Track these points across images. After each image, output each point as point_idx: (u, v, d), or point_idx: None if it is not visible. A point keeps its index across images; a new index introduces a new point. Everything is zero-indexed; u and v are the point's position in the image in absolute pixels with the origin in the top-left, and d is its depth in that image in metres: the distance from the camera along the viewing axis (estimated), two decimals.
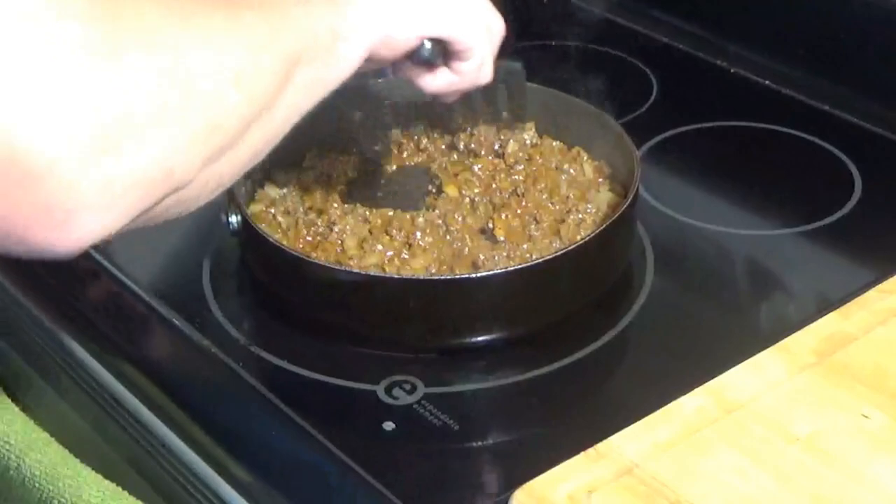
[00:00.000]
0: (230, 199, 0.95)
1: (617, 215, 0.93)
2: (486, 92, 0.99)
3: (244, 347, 0.92)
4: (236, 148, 0.67)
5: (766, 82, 1.25)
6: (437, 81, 0.89)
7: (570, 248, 0.91)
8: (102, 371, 0.93)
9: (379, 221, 0.97)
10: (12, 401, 0.94)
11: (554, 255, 0.90)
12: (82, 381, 0.95)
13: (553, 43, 1.35)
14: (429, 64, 0.87)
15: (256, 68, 0.67)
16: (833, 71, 1.22)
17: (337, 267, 0.91)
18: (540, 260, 0.91)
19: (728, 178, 1.13)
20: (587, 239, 0.91)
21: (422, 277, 0.92)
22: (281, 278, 0.94)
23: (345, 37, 0.76)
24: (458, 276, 0.91)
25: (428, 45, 0.85)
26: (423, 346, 0.91)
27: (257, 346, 0.92)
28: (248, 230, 0.95)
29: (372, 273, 0.91)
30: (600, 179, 1.02)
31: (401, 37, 0.82)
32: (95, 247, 0.63)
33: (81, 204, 0.59)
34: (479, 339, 0.91)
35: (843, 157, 1.13)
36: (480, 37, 0.88)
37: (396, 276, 0.91)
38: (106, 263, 1.02)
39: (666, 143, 1.17)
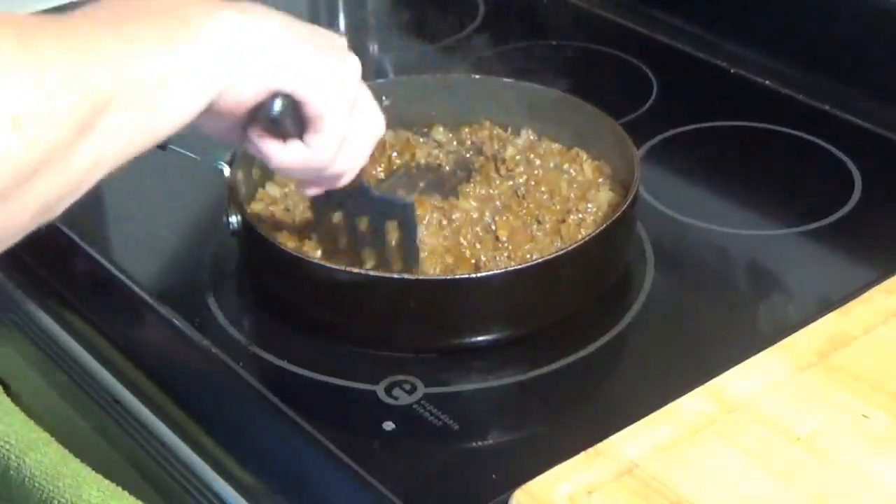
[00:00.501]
0: (230, 198, 0.95)
1: (617, 215, 0.93)
2: (373, 225, 0.91)
3: (244, 347, 0.92)
4: (16, 200, 0.59)
5: (766, 82, 1.25)
6: (287, 154, 0.77)
7: (569, 248, 0.91)
8: (102, 371, 0.93)
9: None
10: (13, 401, 0.94)
11: (553, 256, 0.90)
12: (82, 381, 0.95)
13: (553, 43, 1.35)
14: (278, 128, 0.75)
15: (45, 111, 0.58)
16: (833, 71, 1.22)
17: (337, 267, 0.91)
18: (540, 260, 0.91)
19: (728, 178, 1.13)
20: (587, 239, 0.91)
21: (422, 277, 0.92)
22: (281, 278, 0.94)
23: (177, 82, 0.66)
24: (458, 277, 0.92)
25: (278, 102, 0.73)
26: (423, 347, 0.91)
27: (257, 346, 0.92)
28: (248, 230, 0.95)
29: (372, 273, 0.91)
30: (600, 179, 1.02)
31: (247, 87, 0.71)
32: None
33: None
34: (480, 338, 0.91)
35: (843, 157, 1.13)
36: (339, 107, 0.76)
37: (396, 276, 0.91)
38: (106, 263, 1.02)
39: (666, 143, 1.17)
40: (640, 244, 1.01)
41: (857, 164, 1.12)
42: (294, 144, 0.77)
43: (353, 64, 0.78)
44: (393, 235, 0.91)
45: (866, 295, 0.91)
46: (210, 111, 0.70)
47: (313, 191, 0.85)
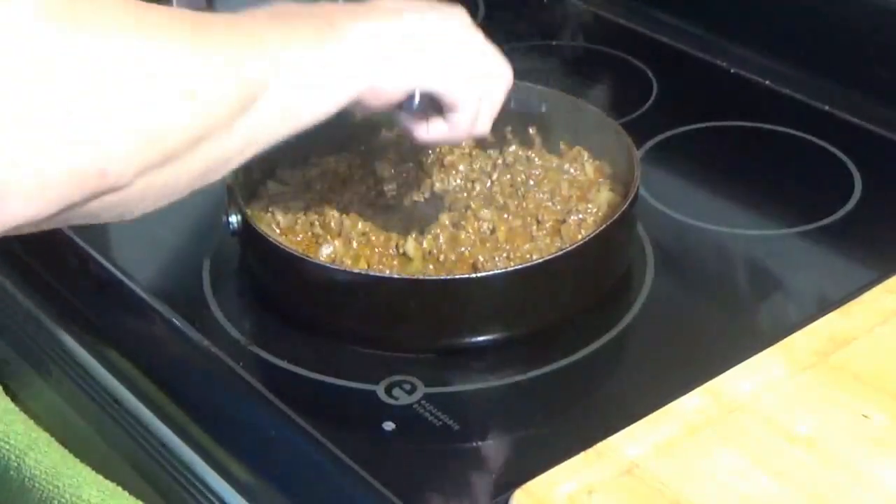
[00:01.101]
0: (230, 198, 0.95)
1: (617, 215, 0.93)
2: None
3: (244, 347, 0.92)
4: (183, 161, 0.67)
5: (766, 82, 1.25)
6: (431, 133, 0.86)
7: (569, 248, 0.91)
8: (102, 371, 0.93)
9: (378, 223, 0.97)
10: (12, 401, 0.94)
11: (553, 256, 0.90)
12: (82, 381, 0.95)
13: (553, 43, 1.35)
14: (420, 115, 0.85)
15: (211, 88, 0.67)
16: (833, 71, 1.22)
17: (336, 267, 0.91)
18: (540, 260, 0.91)
19: (728, 178, 1.13)
20: (587, 239, 0.91)
21: (422, 277, 0.92)
22: (281, 278, 0.94)
23: (323, 78, 0.75)
24: (457, 277, 0.91)
25: (417, 96, 0.82)
26: (422, 347, 0.91)
27: (257, 346, 0.92)
28: (248, 230, 0.95)
29: (372, 273, 0.91)
30: (601, 179, 1.02)
31: (388, 88, 0.80)
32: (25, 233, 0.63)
33: (11, 190, 0.60)
34: (479, 339, 0.91)
35: (843, 157, 1.13)
36: (473, 90, 0.84)
37: (396, 276, 0.91)
38: (106, 263, 1.02)
39: (666, 143, 1.17)
40: (640, 244, 1.01)
41: (857, 164, 1.12)
42: (435, 123, 0.85)
43: (478, 43, 0.85)
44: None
45: (866, 295, 0.91)
46: (356, 103, 0.79)
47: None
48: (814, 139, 1.16)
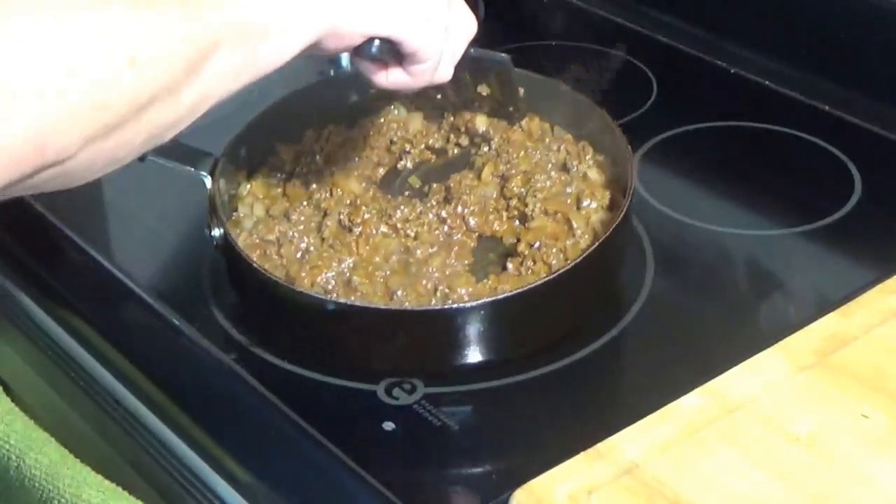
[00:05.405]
0: (211, 211, 0.94)
1: (608, 234, 0.91)
2: (475, 79, 0.98)
3: (244, 347, 0.92)
4: (129, 128, 0.64)
5: (766, 82, 1.25)
6: (389, 79, 0.85)
7: (552, 276, 0.89)
8: (102, 371, 0.93)
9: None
10: (12, 401, 0.94)
11: (537, 283, 0.88)
12: (82, 381, 0.95)
13: (553, 43, 1.35)
14: (379, 62, 0.83)
15: (159, 51, 0.64)
16: (833, 71, 1.22)
17: (317, 296, 0.89)
18: (529, 287, 0.88)
19: (728, 178, 1.13)
20: (579, 260, 0.89)
21: (407, 308, 0.89)
22: (262, 301, 0.92)
23: (281, 27, 0.72)
24: (444, 308, 0.89)
25: (376, 43, 0.80)
26: (411, 371, 0.89)
27: (257, 346, 0.92)
28: (229, 249, 0.93)
29: (357, 303, 0.89)
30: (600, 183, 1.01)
31: (346, 33, 0.78)
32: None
33: None
34: (469, 362, 0.89)
35: (843, 157, 1.13)
36: (433, 39, 0.82)
37: (382, 307, 0.89)
38: (106, 263, 1.02)
39: (666, 143, 1.17)
40: (640, 244, 1.01)
41: (857, 164, 1.12)
42: (395, 71, 0.84)
43: None
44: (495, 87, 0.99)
45: (866, 295, 0.91)
46: (313, 47, 0.76)
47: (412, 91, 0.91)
48: (814, 139, 1.16)
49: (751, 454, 0.77)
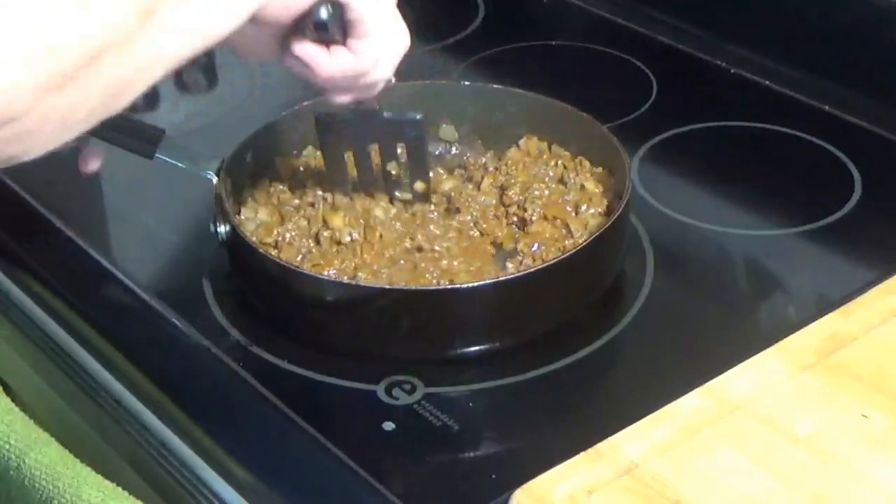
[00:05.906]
0: (218, 208, 0.94)
1: (604, 228, 0.92)
2: (384, 147, 0.97)
3: (244, 347, 0.92)
4: (83, 81, 0.63)
5: (766, 82, 1.25)
6: (332, 62, 0.83)
7: (551, 262, 0.90)
8: (102, 371, 0.93)
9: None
10: (12, 400, 0.94)
11: (537, 268, 0.90)
12: (82, 381, 0.95)
13: (553, 43, 1.35)
14: (324, 34, 0.81)
15: None
16: (833, 71, 1.22)
17: (326, 277, 0.90)
18: (529, 271, 0.90)
19: (728, 178, 1.13)
20: (577, 250, 0.90)
21: (413, 288, 0.91)
22: (269, 289, 0.93)
23: None
24: (447, 287, 0.91)
25: (324, 8, 0.79)
26: (418, 357, 0.90)
27: (257, 346, 0.92)
28: (236, 241, 0.93)
29: (363, 285, 0.90)
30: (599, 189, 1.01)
31: None
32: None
33: None
34: (472, 349, 0.90)
35: (843, 157, 1.13)
36: (380, 10, 0.82)
37: (388, 287, 0.90)
38: (106, 263, 1.02)
39: (666, 143, 1.17)
40: (640, 244, 1.01)
41: (857, 164, 1.12)
42: (338, 51, 0.83)
43: None
44: (403, 156, 0.98)
45: (866, 295, 0.91)
46: (256, 20, 0.75)
47: (345, 98, 0.89)
48: (814, 139, 1.16)
49: (751, 454, 0.77)
